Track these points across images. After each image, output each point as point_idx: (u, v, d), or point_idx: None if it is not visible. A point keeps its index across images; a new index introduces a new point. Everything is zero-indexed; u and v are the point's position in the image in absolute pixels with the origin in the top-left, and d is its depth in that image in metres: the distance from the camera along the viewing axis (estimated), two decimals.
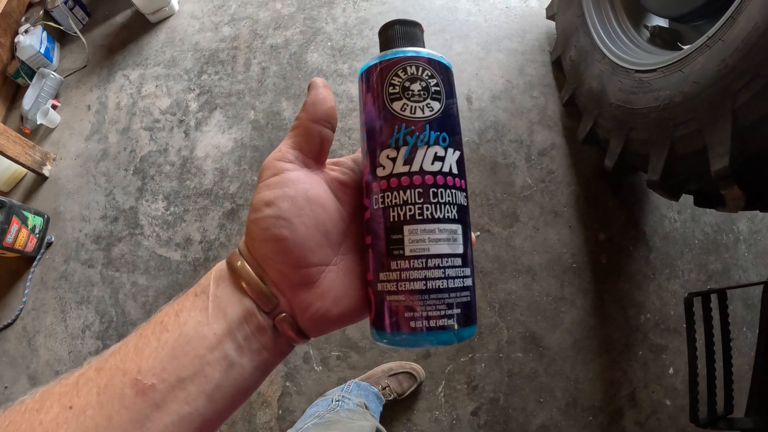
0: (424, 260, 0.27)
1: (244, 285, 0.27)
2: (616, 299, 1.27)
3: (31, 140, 1.60)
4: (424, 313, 0.26)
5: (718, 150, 0.81)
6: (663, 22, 1.19)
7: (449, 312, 0.27)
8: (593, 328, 1.25)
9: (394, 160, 0.27)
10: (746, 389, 0.90)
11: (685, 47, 1.01)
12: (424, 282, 0.26)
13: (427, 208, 0.27)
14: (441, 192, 0.27)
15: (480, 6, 1.62)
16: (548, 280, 1.28)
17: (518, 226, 1.34)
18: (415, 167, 0.27)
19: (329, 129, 0.29)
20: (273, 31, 1.66)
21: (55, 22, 1.81)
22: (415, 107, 0.28)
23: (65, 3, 1.77)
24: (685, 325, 0.98)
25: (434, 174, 0.27)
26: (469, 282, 0.28)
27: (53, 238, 1.52)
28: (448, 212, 0.27)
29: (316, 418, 0.92)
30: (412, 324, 0.26)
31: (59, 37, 1.86)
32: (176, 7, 1.76)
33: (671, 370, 1.24)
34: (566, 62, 1.30)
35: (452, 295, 0.27)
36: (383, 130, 0.28)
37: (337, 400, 1.02)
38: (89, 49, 1.77)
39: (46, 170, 1.61)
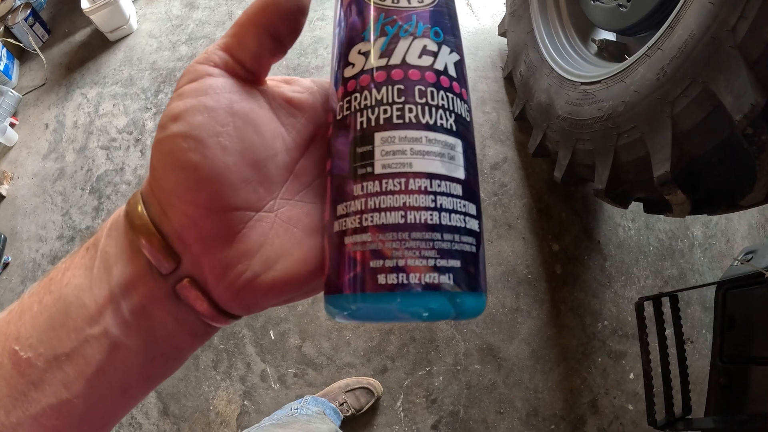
0: (402, 180, 0.18)
1: (139, 237, 0.19)
2: (572, 308, 1.29)
3: None
4: (401, 262, 0.17)
5: (660, 156, 0.83)
6: (610, 36, 1.22)
7: (442, 263, 0.17)
8: (550, 337, 1.26)
9: (366, 54, 0.20)
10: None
11: None
12: (402, 212, 0.17)
13: (410, 109, 0.19)
14: (431, 92, 0.19)
15: None
16: (503, 291, 1.29)
17: None
18: (396, 60, 0.19)
19: (279, 39, 0.20)
20: None
21: (15, 38, 1.78)
22: None
23: (25, 20, 1.75)
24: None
25: (422, 69, 0.19)
26: (474, 225, 0.19)
27: (10, 259, 1.49)
28: (441, 119, 0.19)
29: (274, 419, 0.91)
30: (382, 279, 0.17)
31: (19, 54, 1.83)
32: (135, 25, 1.75)
33: (632, 375, 1.26)
34: (517, 77, 1.32)
35: (447, 237, 0.18)
36: (355, 25, 0.21)
37: (296, 408, 1.02)
38: (48, 66, 1.75)
39: (3, 189, 1.58)
